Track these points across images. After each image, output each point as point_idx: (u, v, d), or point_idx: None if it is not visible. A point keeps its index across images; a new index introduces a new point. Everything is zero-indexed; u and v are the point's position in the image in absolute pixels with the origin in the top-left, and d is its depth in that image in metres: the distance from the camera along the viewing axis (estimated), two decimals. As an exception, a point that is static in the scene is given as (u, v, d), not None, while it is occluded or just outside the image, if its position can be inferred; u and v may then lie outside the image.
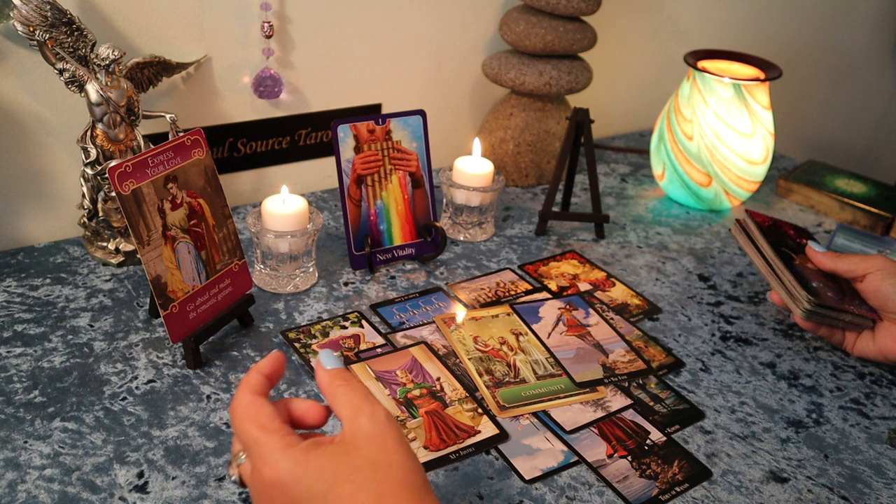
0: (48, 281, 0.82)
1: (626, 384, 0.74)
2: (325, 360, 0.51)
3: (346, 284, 0.86)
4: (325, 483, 0.45)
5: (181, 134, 0.70)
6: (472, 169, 0.94)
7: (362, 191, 0.88)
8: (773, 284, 0.80)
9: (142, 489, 0.59)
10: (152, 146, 0.85)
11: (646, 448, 0.67)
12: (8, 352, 0.72)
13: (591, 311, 0.84)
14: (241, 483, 0.50)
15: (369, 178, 0.88)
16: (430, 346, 0.77)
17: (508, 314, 0.82)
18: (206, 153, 0.72)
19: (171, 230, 0.68)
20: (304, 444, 0.47)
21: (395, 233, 0.90)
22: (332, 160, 1.05)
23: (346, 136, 0.86)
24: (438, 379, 0.72)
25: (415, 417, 0.68)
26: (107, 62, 0.78)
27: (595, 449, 0.66)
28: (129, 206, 0.65)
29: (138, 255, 0.64)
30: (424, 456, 0.64)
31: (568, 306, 0.85)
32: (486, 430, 0.67)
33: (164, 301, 0.65)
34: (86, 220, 0.86)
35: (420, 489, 0.46)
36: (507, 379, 0.73)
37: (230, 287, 0.66)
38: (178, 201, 0.69)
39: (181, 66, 0.88)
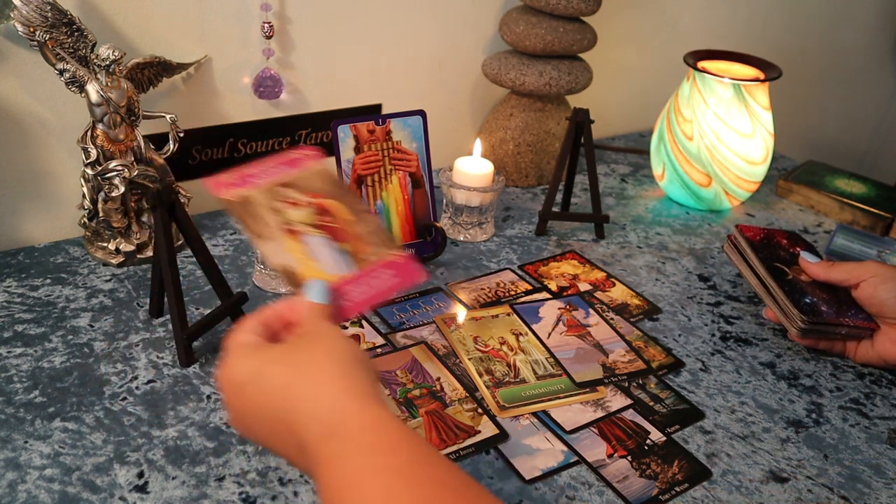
0: (48, 281, 0.82)
1: (626, 384, 0.74)
2: (314, 294, 0.54)
3: (346, 284, 0.86)
4: (289, 363, 0.49)
5: (295, 152, 0.64)
6: (472, 169, 0.94)
7: (362, 191, 0.88)
8: (768, 302, 0.80)
9: (142, 489, 0.59)
10: (153, 146, 0.86)
11: (646, 448, 0.67)
12: (8, 352, 0.72)
13: (591, 311, 0.84)
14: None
15: (369, 178, 0.88)
16: (430, 346, 0.77)
17: (508, 314, 0.82)
18: (322, 162, 0.66)
19: (294, 225, 0.60)
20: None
21: (395, 233, 0.90)
22: (332, 160, 1.05)
23: (346, 136, 0.86)
24: (438, 379, 0.72)
25: (415, 417, 0.68)
26: (107, 62, 0.78)
27: (595, 449, 0.66)
28: (236, 210, 0.60)
29: (256, 249, 0.59)
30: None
31: (568, 306, 0.85)
32: (486, 430, 0.67)
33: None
34: (86, 220, 0.86)
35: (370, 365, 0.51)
36: (507, 379, 0.73)
37: (396, 277, 0.60)
38: (299, 202, 0.62)
39: (181, 67, 0.88)
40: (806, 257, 0.82)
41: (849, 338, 0.79)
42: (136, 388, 0.69)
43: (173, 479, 0.60)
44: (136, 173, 0.83)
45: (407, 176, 0.90)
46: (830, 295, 0.79)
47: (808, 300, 0.78)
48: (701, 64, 1.06)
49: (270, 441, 0.49)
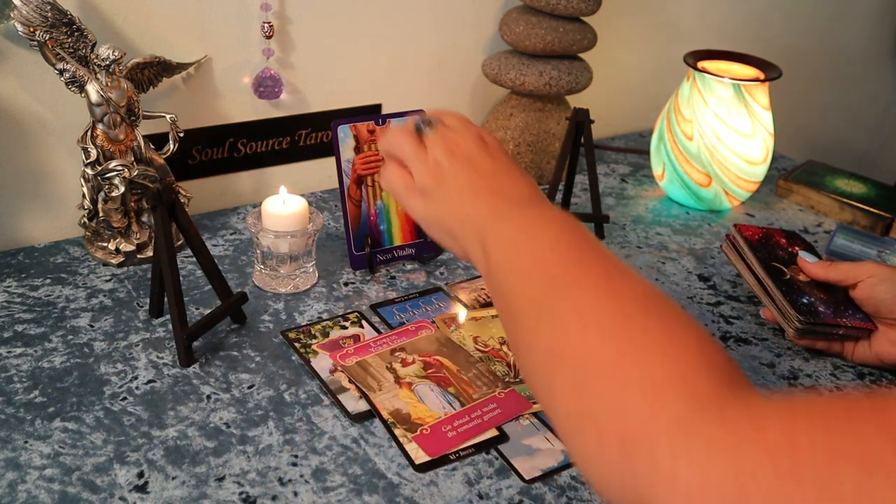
0: (48, 281, 0.82)
1: (626, 384, 0.74)
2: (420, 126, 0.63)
3: (346, 284, 0.86)
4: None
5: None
6: (472, 169, 0.94)
7: (362, 191, 0.88)
8: (765, 302, 0.80)
9: (142, 489, 0.59)
10: (153, 146, 0.86)
11: (646, 448, 0.67)
12: (8, 352, 0.72)
13: (590, 311, 0.84)
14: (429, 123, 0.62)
15: (369, 178, 0.88)
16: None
17: (508, 314, 0.82)
18: (436, 329, 0.78)
19: (406, 378, 0.71)
20: None
21: (395, 233, 0.90)
22: (332, 160, 1.05)
23: (346, 136, 0.86)
24: (438, 379, 0.73)
25: (415, 417, 0.68)
26: (107, 62, 0.78)
27: (595, 449, 0.66)
28: (354, 372, 0.71)
29: (371, 399, 0.69)
30: (424, 457, 0.64)
31: (568, 306, 0.84)
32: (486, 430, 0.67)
33: (411, 426, 0.66)
34: (86, 220, 0.86)
35: None
36: (507, 379, 0.73)
37: (498, 409, 0.69)
38: (409, 361, 0.74)
39: (181, 67, 0.88)
40: (804, 257, 0.82)
41: (846, 338, 0.79)
42: (136, 388, 0.69)
43: (173, 479, 0.60)
44: (136, 173, 0.83)
45: (407, 176, 0.90)
46: (828, 295, 0.79)
47: (805, 300, 0.78)
48: (701, 64, 1.06)
49: (474, 165, 0.60)
